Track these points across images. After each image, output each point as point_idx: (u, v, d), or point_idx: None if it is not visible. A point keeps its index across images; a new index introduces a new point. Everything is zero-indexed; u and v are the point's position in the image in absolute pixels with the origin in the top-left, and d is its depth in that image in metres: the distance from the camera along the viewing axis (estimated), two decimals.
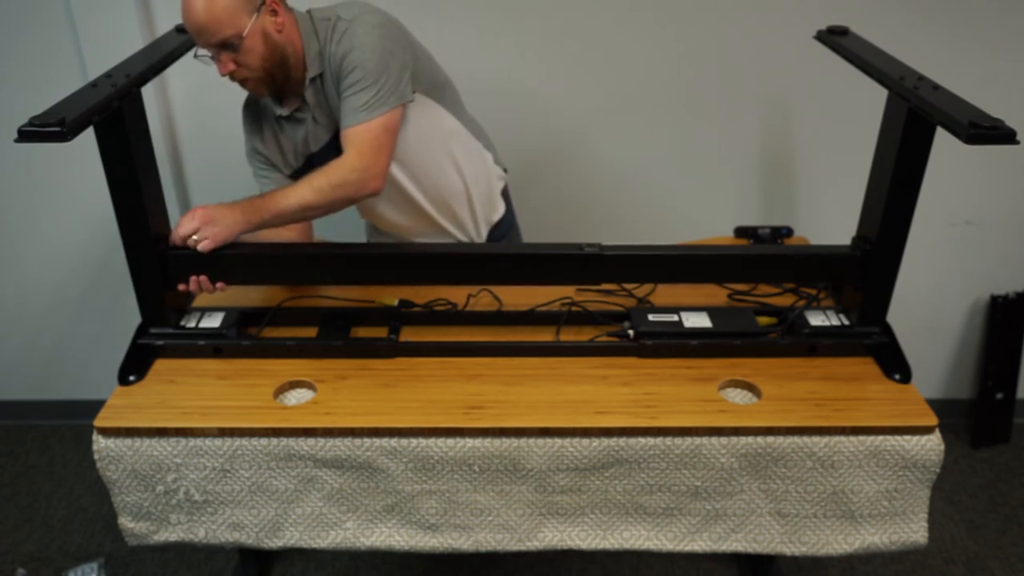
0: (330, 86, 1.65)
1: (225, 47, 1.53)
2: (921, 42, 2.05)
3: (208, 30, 1.51)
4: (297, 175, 1.75)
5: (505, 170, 2.00)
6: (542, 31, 2.17)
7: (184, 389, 1.51)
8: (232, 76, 1.58)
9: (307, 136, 1.72)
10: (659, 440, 1.42)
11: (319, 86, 1.66)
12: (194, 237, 1.51)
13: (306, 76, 1.64)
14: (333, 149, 1.68)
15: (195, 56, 1.60)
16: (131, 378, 1.53)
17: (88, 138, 1.38)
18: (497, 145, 1.97)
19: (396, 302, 1.71)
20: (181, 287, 1.57)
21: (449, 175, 1.82)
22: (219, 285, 1.58)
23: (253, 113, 1.76)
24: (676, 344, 1.58)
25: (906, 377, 1.53)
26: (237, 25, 1.51)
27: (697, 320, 1.61)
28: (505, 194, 2.01)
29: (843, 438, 1.42)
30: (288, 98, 1.70)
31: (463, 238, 1.93)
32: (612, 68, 2.21)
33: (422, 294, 1.73)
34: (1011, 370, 2.63)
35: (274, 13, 1.57)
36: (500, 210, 1.98)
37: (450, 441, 1.43)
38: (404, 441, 1.43)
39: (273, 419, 1.44)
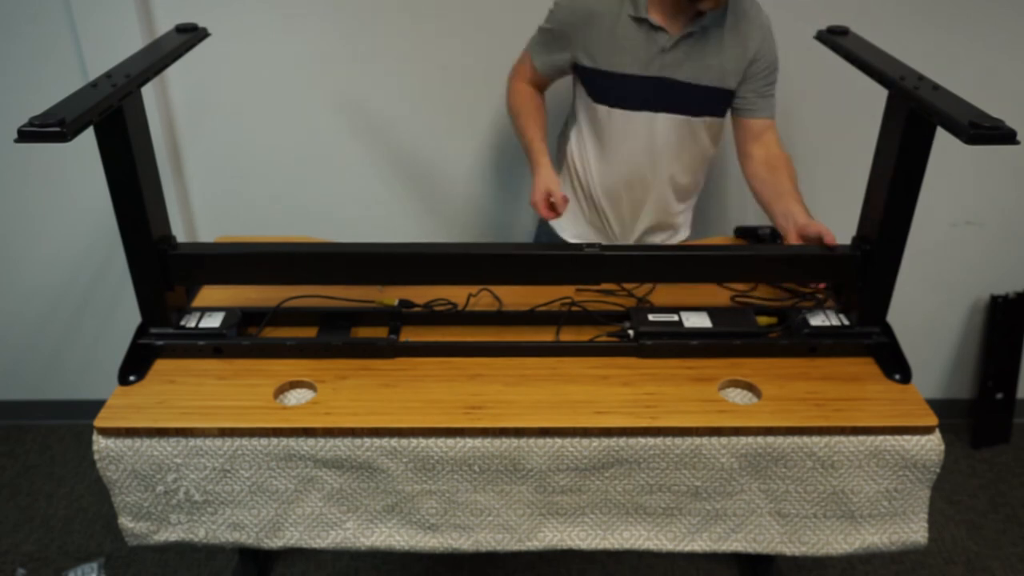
0: (722, 50, 1.70)
1: None
2: (921, 42, 2.05)
3: None
4: (581, 71, 1.79)
5: None
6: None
7: (184, 389, 1.51)
8: None
9: (645, 56, 1.72)
10: (659, 440, 1.42)
11: (708, 37, 1.70)
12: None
13: (698, 22, 1.68)
14: (648, 88, 1.75)
15: None
16: (131, 378, 1.53)
17: (88, 138, 1.38)
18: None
19: (396, 302, 1.71)
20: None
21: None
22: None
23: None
24: (676, 344, 1.58)
25: (906, 377, 1.53)
26: None
27: (697, 320, 1.61)
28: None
29: (843, 438, 1.42)
30: (664, 19, 1.70)
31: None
32: None
33: (422, 294, 1.73)
34: (1011, 370, 2.63)
35: None
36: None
37: (450, 441, 1.43)
38: (404, 441, 1.43)
39: (273, 419, 1.44)
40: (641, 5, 1.70)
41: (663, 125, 1.80)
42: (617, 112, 1.79)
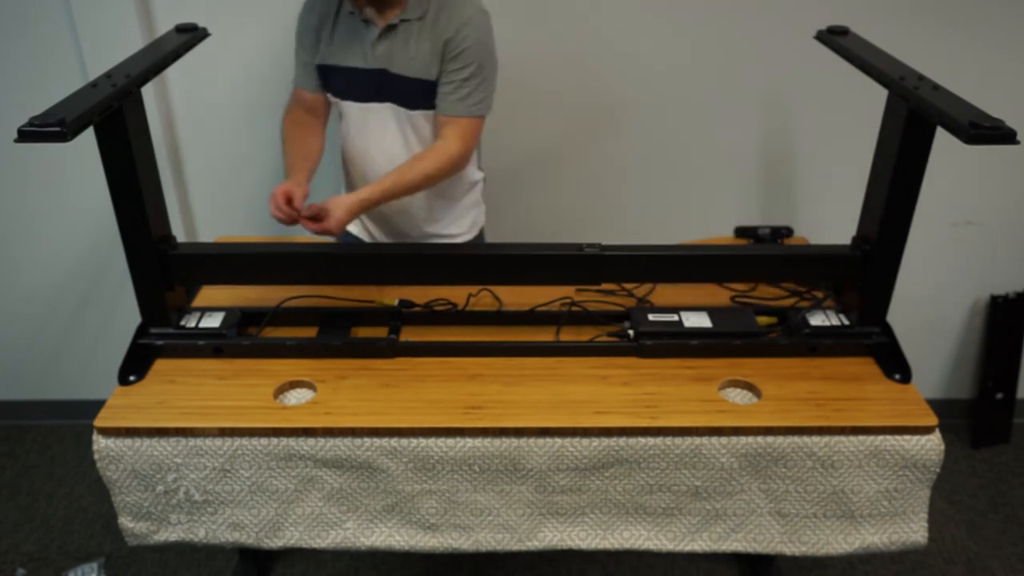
0: (424, 42, 1.69)
1: None
2: (921, 42, 2.05)
3: None
4: (325, 71, 1.79)
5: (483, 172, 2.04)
6: (542, 30, 2.17)
7: (184, 389, 1.51)
8: None
9: (361, 50, 1.74)
10: (659, 440, 1.42)
11: (411, 30, 1.69)
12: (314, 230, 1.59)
13: (401, 13, 1.69)
14: (373, 79, 1.75)
15: None
16: (131, 378, 1.53)
17: (88, 138, 1.38)
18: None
19: (396, 302, 1.71)
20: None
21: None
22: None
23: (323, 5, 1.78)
24: (676, 344, 1.58)
25: (906, 377, 1.53)
26: None
27: (697, 320, 1.61)
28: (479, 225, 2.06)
29: (843, 438, 1.42)
30: (372, 8, 1.71)
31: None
32: (613, 68, 2.21)
33: (422, 294, 1.73)
34: (1011, 370, 2.63)
35: None
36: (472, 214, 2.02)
37: (450, 441, 1.43)
38: (404, 441, 1.43)
39: (273, 419, 1.44)
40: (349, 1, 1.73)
41: (386, 116, 1.80)
42: (347, 104, 1.82)
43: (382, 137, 1.82)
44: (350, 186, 1.98)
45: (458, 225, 1.98)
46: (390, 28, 1.70)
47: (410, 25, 1.69)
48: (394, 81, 1.74)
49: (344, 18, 1.75)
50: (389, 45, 1.72)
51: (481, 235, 2.07)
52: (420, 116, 1.78)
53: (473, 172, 1.96)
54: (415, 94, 1.75)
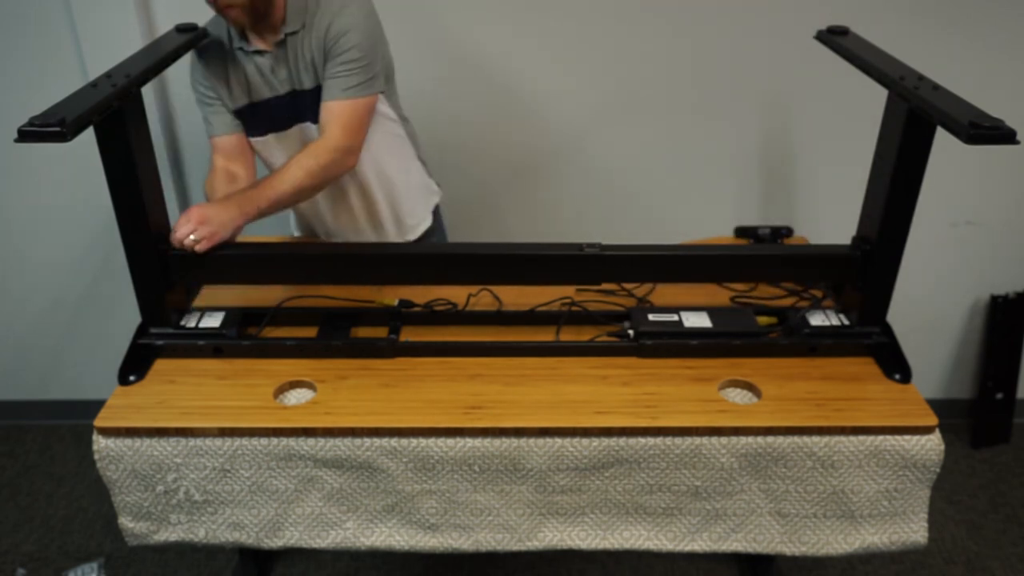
0: (310, 49, 1.66)
1: None
2: (921, 42, 2.05)
3: None
4: (238, 114, 1.77)
5: (439, 185, 2.02)
6: (542, 30, 2.17)
7: (184, 389, 1.51)
8: (216, 2, 1.58)
9: (262, 81, 1.72)
10: (659, 440, 1.42)
11: (297, 42, 1.67)
12: (191, 237, 1.51)
13: (283, 29, 1.65)
14: (286, 104, 1.72)
15: None
16: (131, 378, 1.53)
17: (88, 138, 1.38)
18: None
19: (396, 302, 1.71)
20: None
21: (385, 169, 1.85)
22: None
23: (208, 43, 1.75)
24: (676, 344, 1.58)
25: (906, 377, 1.53)
26: None
27: (697, 320, 1.61)
28: (436, 213, 2.02)
29: (843, 438, 1.42)
30: (256, 36, 1.69)
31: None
32: (612, 68, 2.21)
33: (422, 294, 1.73)
34: (1011, 370, 2.63)
35: None
36: (426, 224, 2.00)
37: (450, 441, 1.43)
38: (404, 441, 1.43)
39: (273, 419, 1.44)
40: (236, 35, 1.70)
41: (306, 135, 1.76)
42: (271, 137, 1.77)
43: None
44: (301, 222, 2.00)
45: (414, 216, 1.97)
46: (280, 47, 1.67)
47: (296, 38, 1.66)
48: (305, 97, 1.71)
49: (238, 57, 1.71)
50: (285, 65, 1.69)
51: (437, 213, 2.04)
52: None
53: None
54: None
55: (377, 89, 1.70)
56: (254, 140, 1.80)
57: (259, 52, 1.69)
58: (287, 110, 1.73)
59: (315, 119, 1.72)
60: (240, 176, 1.77)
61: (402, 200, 1.92)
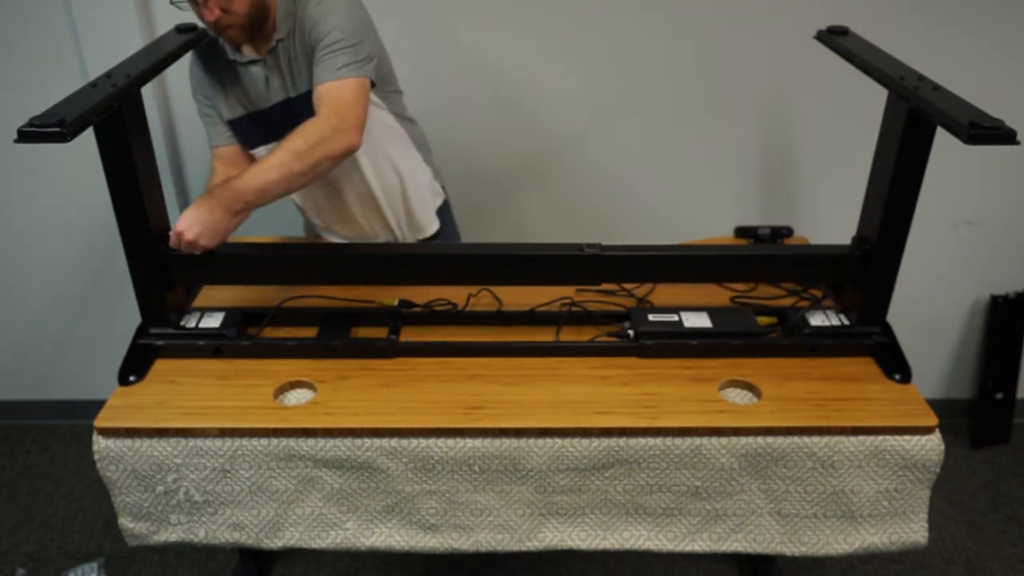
0: (298, 51, 1.66)
1: None
2: (921, 42, 2.05)
3: None
4: (235, 125, 1.77)
5: (443, 187, 2.01)
6: (543, 31, 2.17)
7: (184, 389, 1.51)
8: (216, 23, 1.57)
9: (258, 91, 1.72)
10: (659, 440, 1.42)
11: (287, 48, 1.67)
12: (187, 239, 1.49)
13: (274, 36, 1.65)
14: (282, 113, 1.71)
15: (171, 2, 1.58)
16: (131, 378, 1.53)
17: (88, 138, 1.38)
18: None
19: (396, 302, 1.71)
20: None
21: (383, 174, 1.84)
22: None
23: (204, 53, 1.75)
24: (676, 344, 1.58)
25: (906, 377, 1.53)
26: None
27: (697, 320, 1.61)
28: (442, 213, 2.01)
29: (843, 438, 1.42)
30: (249, 47, 1.69)
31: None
32: (612, 68, 2.21)
33: (422, 294, 1.73)
34: (1011, 370, 2.63)
35: None
36: (433, 227, 1.99)
37: (450, 441, 1.43)
38: (404, 441, 1.43)
39: (273, 419, 1.44)
40: (229, 48, 1.70)
41: None
42: (271, 147, 1.70)
43: None
44: (308, 224, 2.00)
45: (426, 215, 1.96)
46: (272, 54, 1.67)
47: (286, 43, 1.66)
48: (300, 102, 1.70)
49: (232, 69, 1.72)
50: (278, 72, 1.70)
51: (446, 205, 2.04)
52: None
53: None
54: None
55: (367, 73, 1.59)
56: (254, 152, 1.80)
57: (253, 62, 1.70)
58: (283, 119, 1.71)
59: None
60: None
61: (409, 203, 1.92)
